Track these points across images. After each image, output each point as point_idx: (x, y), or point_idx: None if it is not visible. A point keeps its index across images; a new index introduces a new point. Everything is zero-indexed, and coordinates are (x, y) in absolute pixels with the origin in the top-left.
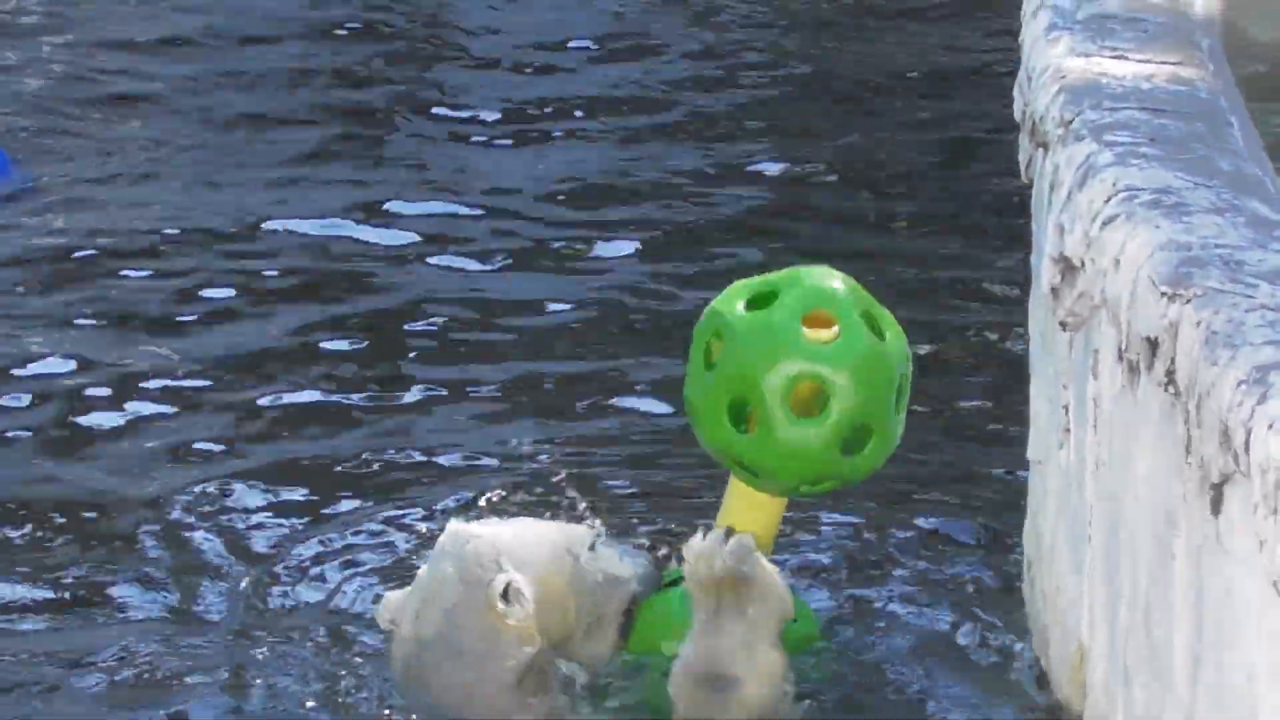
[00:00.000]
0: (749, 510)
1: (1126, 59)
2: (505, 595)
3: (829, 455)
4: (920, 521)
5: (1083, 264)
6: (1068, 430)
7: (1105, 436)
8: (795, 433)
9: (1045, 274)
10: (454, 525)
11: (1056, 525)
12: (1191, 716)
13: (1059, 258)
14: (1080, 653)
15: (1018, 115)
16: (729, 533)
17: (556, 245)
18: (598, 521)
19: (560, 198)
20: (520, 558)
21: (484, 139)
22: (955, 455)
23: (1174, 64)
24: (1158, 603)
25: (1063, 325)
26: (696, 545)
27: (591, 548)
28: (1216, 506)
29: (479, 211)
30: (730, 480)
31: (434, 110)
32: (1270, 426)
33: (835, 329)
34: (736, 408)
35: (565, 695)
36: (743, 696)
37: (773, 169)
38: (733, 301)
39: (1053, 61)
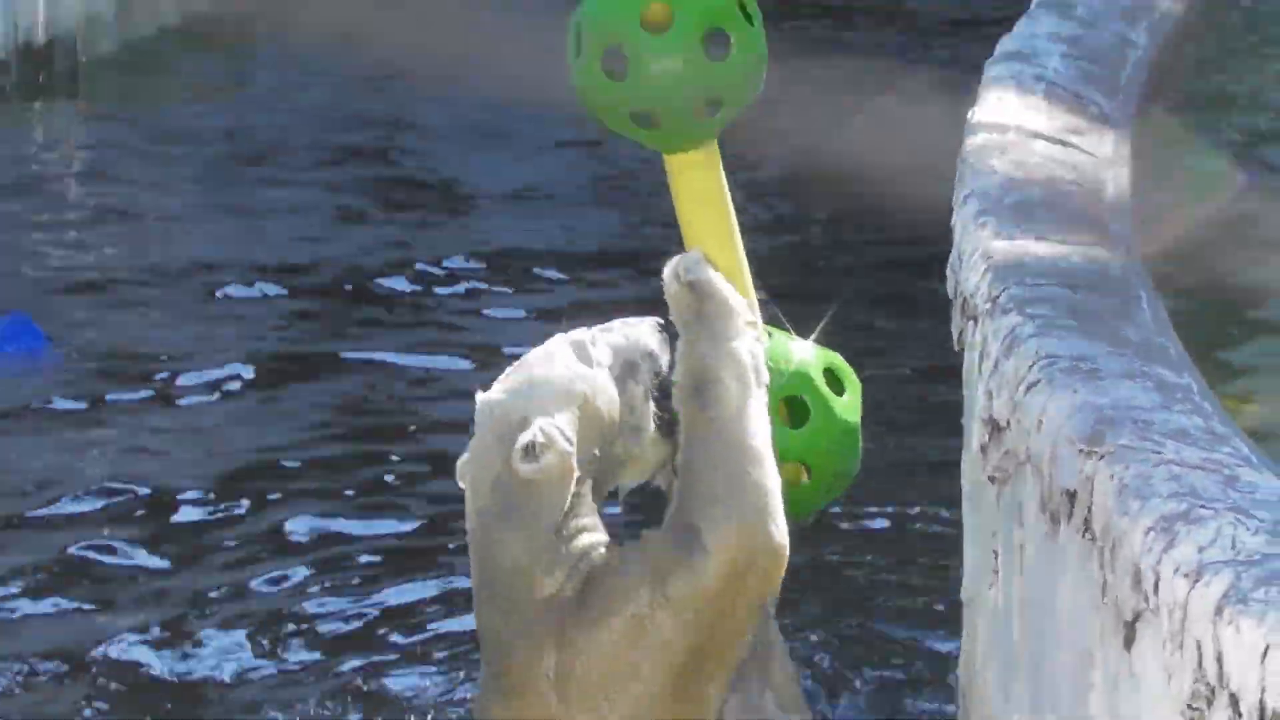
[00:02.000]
0: (699, 182)
1: (1047, 240)
2: (529, 454)
3: (696, 61)
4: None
5: (1008, 424)
6: (996, 573)
7: (1030, 579)
8: (655, 50)
9: (975, 434)
10: (481, 396)
11: (987, 658)
12: None
13: (987, 419)
14: None
15: (950, 292)
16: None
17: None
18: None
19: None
20: (545, 395)
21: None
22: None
23: (1089, 245)
24: None
25: (991, 480)
26: (666, 272)
27: (593, 342)
28: (1129, 642)
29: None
30: (671, 183)
31: None
32: (1177, 570)
33: None
34: (610, 63)
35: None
36: (722, 394)
37: None
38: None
39: (981, 243)
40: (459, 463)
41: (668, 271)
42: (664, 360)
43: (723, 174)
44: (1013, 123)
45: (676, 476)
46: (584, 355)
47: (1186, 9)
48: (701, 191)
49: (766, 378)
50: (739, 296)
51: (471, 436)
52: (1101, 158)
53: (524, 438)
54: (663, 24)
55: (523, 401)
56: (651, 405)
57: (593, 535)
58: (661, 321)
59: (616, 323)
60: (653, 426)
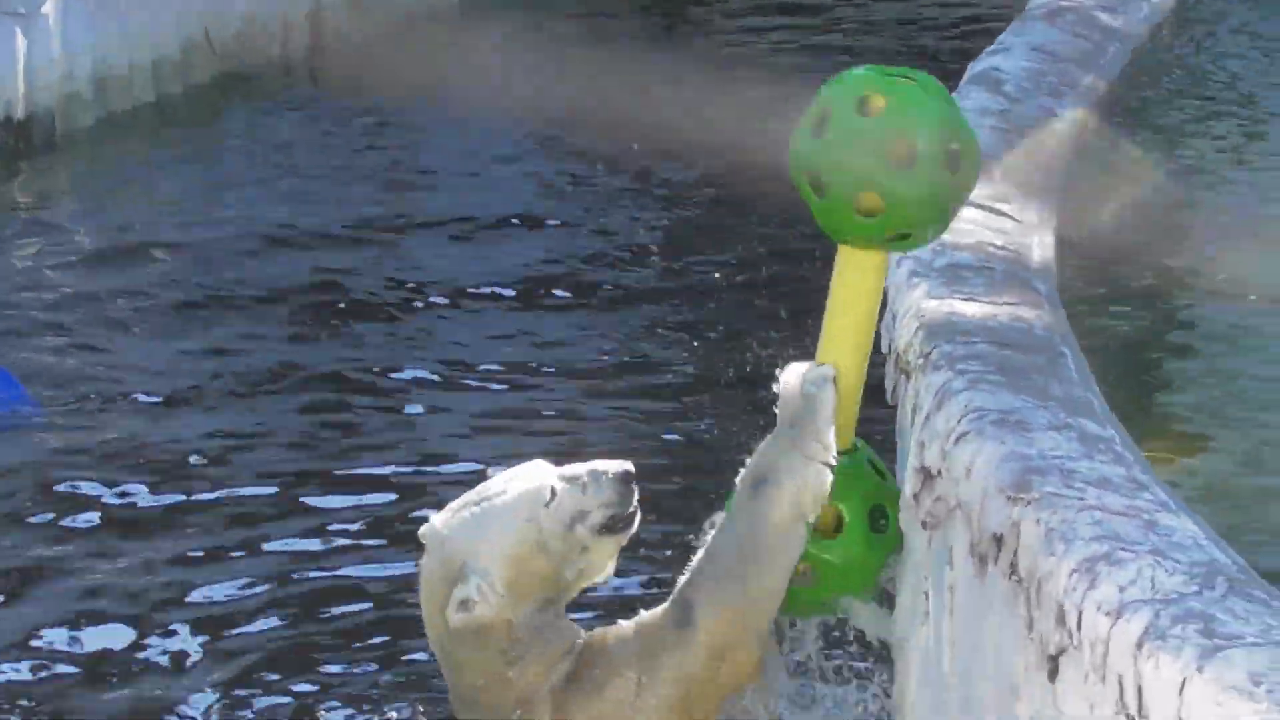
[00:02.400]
0: (863, 283)
1: (976, 301)
2: (464, 608)
3: (943, 179)
4: None
5: (939, 473)
6: (927, 613)
7: (959, 618)
8: (907, 180)
9: (908, 483)
10: (431, 522)
11: (919, 694)
12: None
13: (920, 468)
14: None
15: (885, 349)
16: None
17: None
18: (547, 466)
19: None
20: (484, 549)
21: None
22: None
23: (1016, 305)
24: None
25: (923, 525)
26: (790, 369)
27: (551, 498)
28: (1053, 675)
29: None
30: (837, 274)
31: None
32: (1099, 608)
33: (886, 99)
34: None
35: (563, 632)
36: (772, 495)
37: None
38: (802, 135)
39: (914, 303)
40: (421, 530)
41: (794, 375)
42: (626, 509)
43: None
44: None
45: None
46: (535, 509)
47: (1108, 86)
48: (864, 290)
49: (819, 510)
50: (833, 429)
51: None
52: (1027, 223)
53: (458, 593)
54: (906, 159)
55: (465, 546)
56: (598, 538)
57: (559, 634)
58: (631, 469)
59: (584, 469)
60: (607, 554)
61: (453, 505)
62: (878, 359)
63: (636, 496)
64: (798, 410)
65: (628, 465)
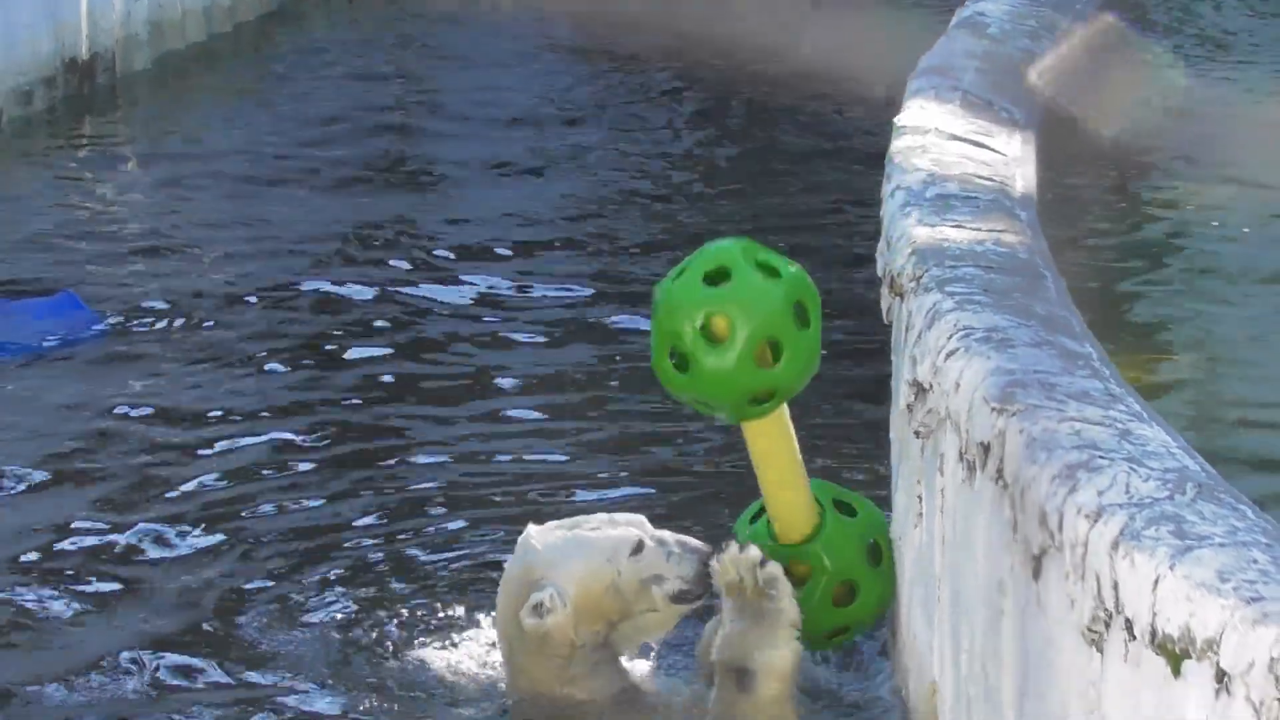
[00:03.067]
0: (765, 444)
1: (963, 228)
2: (536, 611)
3: (746, 369)
4: None
5: (931, 387)
6: (920, 515)
7: (949, 520)
8: (713, 358)
9: (902, 395)
10: (530, 530)
11: (913, 589)
12: None
13: (912, 382)
14: (932, 688)
15: (880, 272)
16: (764, 562)
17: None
18: (646, 524)
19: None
20: (563, 570)
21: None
22: None
23: (1000, 231)
24: (991, 650)
25: (916, 434)
26: (731, 554)
27: (637, 550)
28: (1037, 574)
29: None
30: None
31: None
32: (1079, 512)
33: (730, 276)
34: (675, 356)
35: (614, 673)
36: (761, 687)
37: None
38: (664, 282)
39: (906, 230)
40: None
41: (743, 566)
42: (700, 589)
43: (789, 428)
44: (933, 127)
45: None
46: (619, 555)
47: (1084, 27)
48: (769, 451)
49: (797, 679)
50: (796, 608)
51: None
52: (1010, 156)
53: (534, 598)
54: (722, 338)
55: (550, 560)
56: (668, 604)
57: (610, 670)
58: (711, 558)
59: (675, 539)
60: (664, 613)
61: (552, 524)
62: (873, 290)
63: (714, 582)
64: (756, 602)
65: (709, 550)
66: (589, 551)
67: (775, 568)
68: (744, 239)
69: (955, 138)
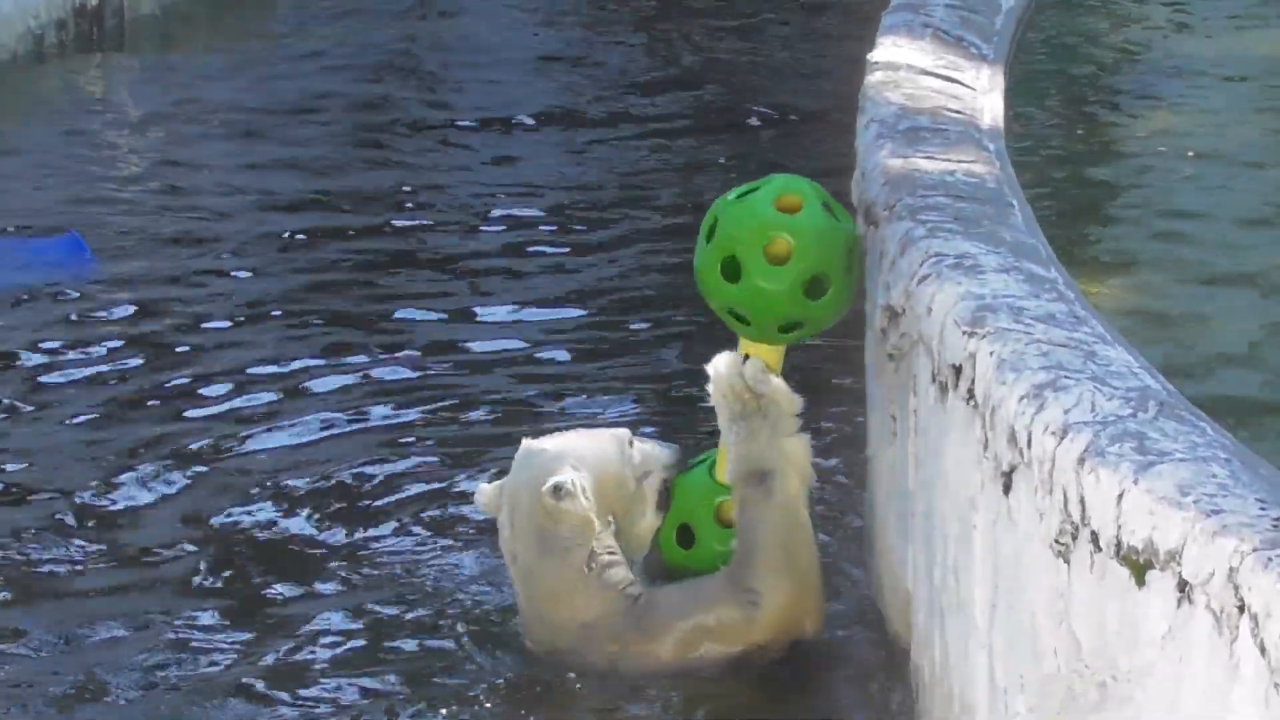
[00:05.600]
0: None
1: (934, 159)
2: (556, 492)
3: (795, 296)
4: None
5: (903, 311)
6: (894, 434)
7: (922, 439)
8: (767, 276)
9: (876, 319)
10: (526, 442)
11: (887, 504)
12: (989, 646)
13: (886, 307)
14: (906, 599)
15: (855, 202)
16: (745, 358)
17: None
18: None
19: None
20: (580, 457)
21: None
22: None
23: (969, 162)
24: (963, 563)
25: (890, 356)
26: (720, 365)
27: (630, 443)
28: (1006, 489)
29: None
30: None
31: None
32: (1046, 429)
33: (800, 209)
34: (727, 265)
35: (625, 570)
36: (782, 483)
37: None
38: (727, 196)
39: (880, 161)
40: (479, 490)
41: (725, 367)
42: (672, 474)
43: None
44: (905, 62)
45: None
46: (621, 450)
47: None
48: (763, 350)
49: (812, 471)
50: (795, 398)
51: (505, 475)
52: (979, 90)
53: (555, 478)
54: (780, 260)
55: (562, 452)
56: (653, 498)
57: (623, 572)
58: (679, 449)
59: (651, 441)
60: (652, 512)
61: (540, 438)
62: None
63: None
64: (755, 405)
65: (677, 446)
66: (597, 442)
67: (757, 360)
68: (813, 180)
69: (926, 72)
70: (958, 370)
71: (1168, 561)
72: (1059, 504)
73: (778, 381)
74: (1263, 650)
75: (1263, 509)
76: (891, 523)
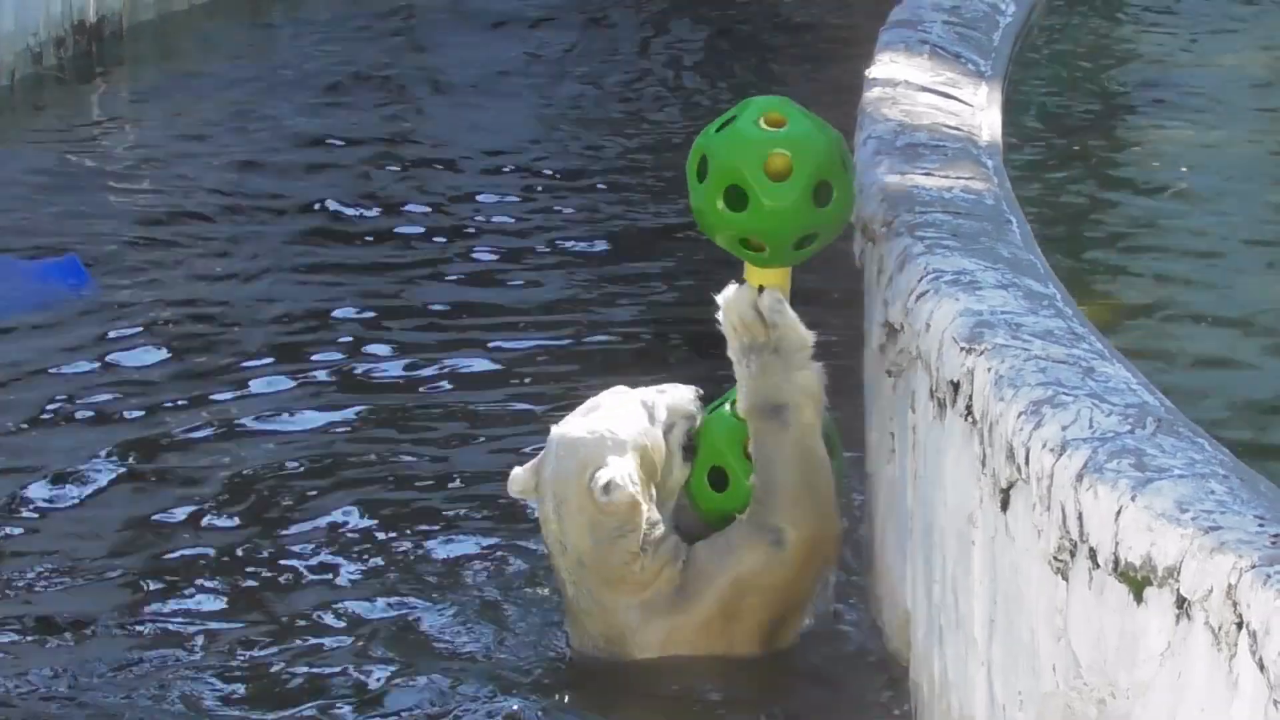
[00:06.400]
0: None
1: (932, 175)
2: (608, 491)
3: (806, 206)
4: None
5: (902, 327)
6: (893, 451)
7: (921, 455)
8: (774, 194)
9: (874, 336)
10: (558, 429)
11: (886, 521)
12: (988, 663)
13: (884, 324)
14: (906, 616)
15: (853, 219)
16: (760, 290)
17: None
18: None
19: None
20: (618, 440)
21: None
22: None
23: (967, 179)
24: (962, 579)
25: (888, 373)
26: (731, 294)
27: (654, 405)
28: (1005, 506)
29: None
30: (745, 270)
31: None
32: (1044, 446)
33: (786, 123)
34: (730, 195)
35: (675, 538)
36: (797, 415)
37: None
38: (708, 130)
39: (877, 178)
40: (513, 475)
41: (738, 297)
42: (697, 421)
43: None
44: (902, 78)
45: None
46: (649, 414)
47: None
48: (772, 278)
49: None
50: (807, 331)
51: (535, 458)
52: (977, 106)
53: (603, 476)
54: (781, 176)
55: (603, 442)
56: (678, 450)
57: (673, 541)
58: (700, 391)
59: (668, 387)
60: (680, 464)
61: (568, 420)
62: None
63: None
64: (767, 336)
65: (696, 388)
66: (627, 413)
67: (774, 292)
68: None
69: (924, 89)
70: (956, 387)
71: (1166, 578)
72: (1057, 520)
73: (791, 314)
74: (1261, 666)
75: (1261, 525)
76: (890, 540)
